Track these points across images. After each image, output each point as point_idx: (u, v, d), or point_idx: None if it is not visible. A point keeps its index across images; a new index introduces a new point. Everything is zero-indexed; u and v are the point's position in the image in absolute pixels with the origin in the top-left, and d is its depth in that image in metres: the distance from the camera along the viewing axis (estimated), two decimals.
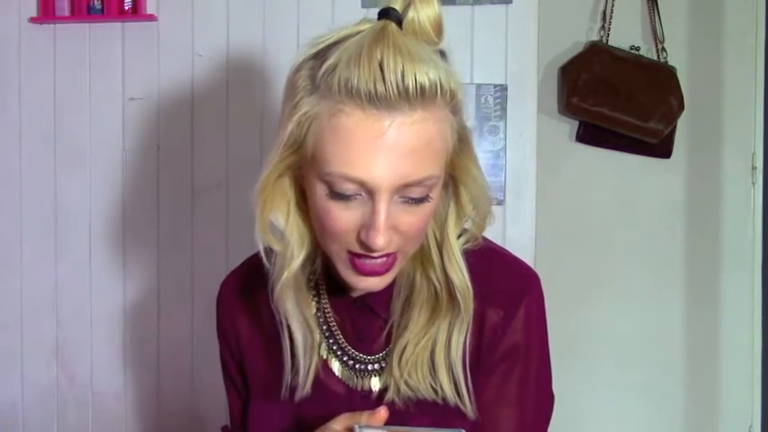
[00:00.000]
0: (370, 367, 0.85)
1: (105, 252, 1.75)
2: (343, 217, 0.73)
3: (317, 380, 0.85)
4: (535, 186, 1.66)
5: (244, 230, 1.67)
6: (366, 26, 0.72)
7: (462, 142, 0.76)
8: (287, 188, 0.79)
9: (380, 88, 0.67)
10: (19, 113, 1.76)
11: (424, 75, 0.68)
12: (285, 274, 0.79)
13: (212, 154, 1.72)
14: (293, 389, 0.84)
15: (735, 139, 2.09)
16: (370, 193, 0.71)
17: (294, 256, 0.79)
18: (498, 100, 1.64)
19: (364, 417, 0.72)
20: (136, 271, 1.75)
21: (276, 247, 0.79)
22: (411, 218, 0.74)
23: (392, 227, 0.73)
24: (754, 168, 2.09)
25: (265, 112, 1.65)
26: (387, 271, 0.76)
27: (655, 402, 2.10)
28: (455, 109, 0.74)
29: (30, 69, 1.76)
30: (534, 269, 0.89)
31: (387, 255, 0.74)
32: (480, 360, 0.83)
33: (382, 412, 0.72)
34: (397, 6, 0.71)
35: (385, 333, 0.84)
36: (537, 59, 1.67)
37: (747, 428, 2.10)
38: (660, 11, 2.04)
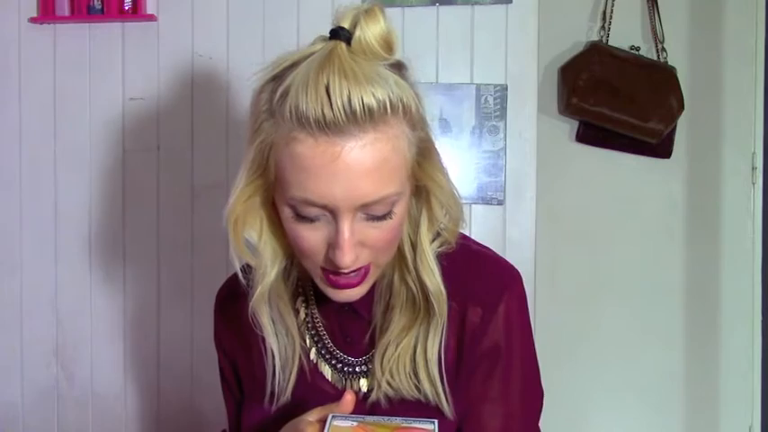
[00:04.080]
0: (357, 369, 0.86)
1: (105, 252, 1.75)
2: (311, 237, 0.74)
3: (309, 384, 0.87)
4: (535, 186, 1.66)
5: None
6: (319, 47, 0.73)
7: (424, 154, 0.77)
8: (258, 206, 0.80)
9: (329, 115, 0.68)
10: (19, 113, 1.76)
11: (371, 96, 0.69)
12: (258, 290, 0.81)
13: (212, 154, 1.71)
14: (278, 396, 0.86)
15: (735, 140, 2.09)
16: (333, 213, 0.72)
17: (267, 273, 0.81)
18: (498, 100, 1.64)
19: (334, 407, 0.74)
20: (136, 271, 1.75)
21: (251, 262, 0.81)
22: (377, 232, 0.75)
23: (359, 243, 0.74)
24: (754, 168, 2.09)
25: None
26: (361, 282, 0.77)
27: (655, 402, 2.10)
28: (412, 123, 0.74)
29: (30, 69, 1.76)
30: (515, 267, 0.89)
31: (358, 268, 0.76)
32: (462, 359, 0.84)
33: (348, 398, 0.73)
34: (346, 25, 0.72)
35: (368, 335, 0.86)
36: (537, 59, 1.67)
37: (747, 428, 2.10)
38: (660, 11, 2.04)
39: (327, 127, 0.68)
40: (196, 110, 1.72)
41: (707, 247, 2.10)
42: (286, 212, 0.75)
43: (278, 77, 0.74)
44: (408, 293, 0.83)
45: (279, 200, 0.76)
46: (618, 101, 1.95)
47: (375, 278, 0.80)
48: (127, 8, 1.70)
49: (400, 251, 0.82)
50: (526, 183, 1.66)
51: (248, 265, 0.82)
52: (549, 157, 1.90)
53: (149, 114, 1.73)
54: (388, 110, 0.70)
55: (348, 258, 0.72)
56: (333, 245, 0.73)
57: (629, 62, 1.99)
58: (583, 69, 1.96)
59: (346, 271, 0.75)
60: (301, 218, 0.74)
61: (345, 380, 0.87)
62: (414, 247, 0.82)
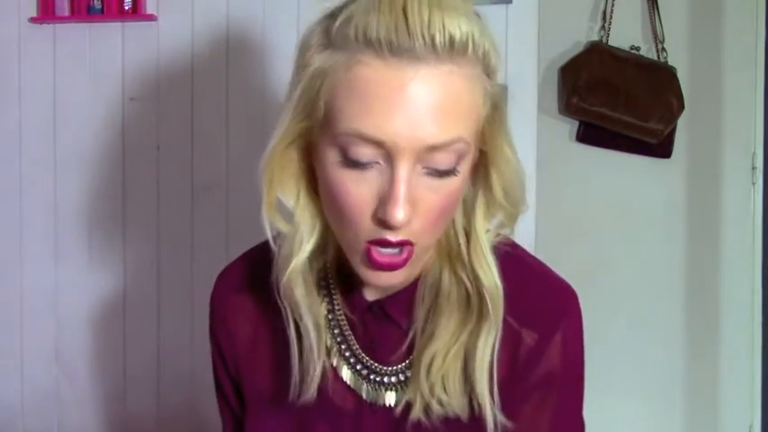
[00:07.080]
0: (386, 380, 0.76)
1: (105, 252, 1.75)
2: (358, 190, 0.64)
3: (323, 389, 0.76)
4: (535, 186, 1.66)
5: (244, 230, 1.66)
6: None
7: (496, 111, 0.69)
8: (297, 164, 0.71)
9: (403, 35, 0.59)
10: (19, 113, 1.76)
11: (455, 25, 0.60)
12: (294, 261, 0.71)
13: (212, 154, 1.72)
14: (298, 395, 0.75)
15: (735, 140, 2.09)
16: (388, 158, 0.62)
17: (304, 240, 0.71)
18: None
19: None
20: (136, 271, 1.75)
21: (284, 228, 0.72)
22: (434, 196, 0.65)
23: (412, 202, 0.63)
24: (754, 168, 2.09)
25: (266, 112, 1.65)
26: (405, 264, 0.67)
27: (654, 402, 2.10)
28: (489, 70, 0.66)
29: (30, 69, 1.76)
30: (570, 285, 0.81)
31: (404, 243, 0.65)
32: (513, 381, 0.76)
33: None
34: None
35: (406, 344, 0.75)
36: (537, 59, 1.67)
37: (747, 428, 2.10)
38: (660, 11, 2.04)
39: (401, 49, 0.59)
40: (196, 110, 1.72)
41: (707, 247, 2.10)
42: (332, 157, 0.64)
43: (334, 14, 0.65)
44: (461, 292, 0.73)
45: (324, 144, 0.65)
46: (618, 101, 1.95)
47: (417, 267, 0.70)
48: (127, 8, 1.70)
49: (451, 243, 0.74)
50: (526, 183, 1.65)
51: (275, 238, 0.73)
52: (549, 157, 1.90)
53: (149, 114, 1.73)
54: (470, 45, 0.62)
55: (402, 214, 0.62)
56: (384, 199, 0.62)
57: (629, 62, 1.99)
58: (583, 69, 1.96)
59: (394, 240, 0.64)
60: (350, 162, 0.63)
61: (370, 389, 0.77)
62: (468, 235, 0.72)
